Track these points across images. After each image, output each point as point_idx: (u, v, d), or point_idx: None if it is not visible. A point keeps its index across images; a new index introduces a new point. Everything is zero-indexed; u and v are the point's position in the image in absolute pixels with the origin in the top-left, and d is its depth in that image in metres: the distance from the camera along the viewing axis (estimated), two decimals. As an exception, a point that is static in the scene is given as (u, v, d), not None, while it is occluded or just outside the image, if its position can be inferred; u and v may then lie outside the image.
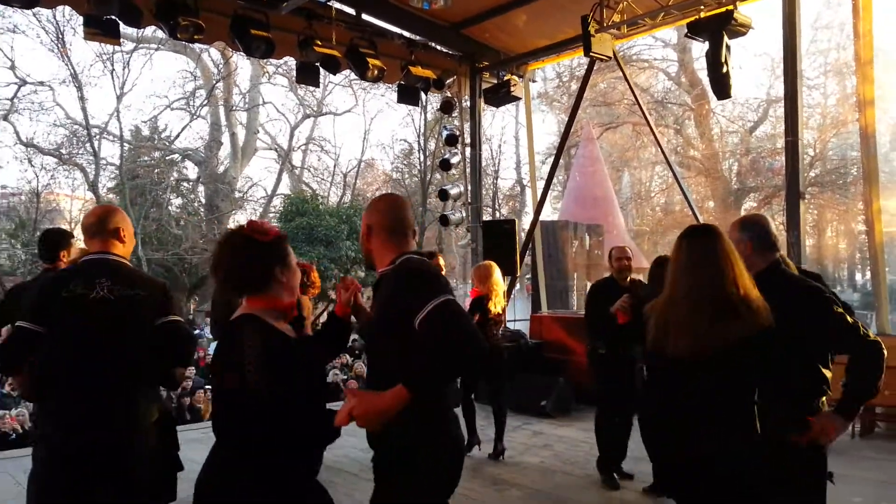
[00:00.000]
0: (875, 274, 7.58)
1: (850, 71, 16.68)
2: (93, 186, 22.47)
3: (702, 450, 2.29)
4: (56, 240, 3.86)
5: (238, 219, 27.42)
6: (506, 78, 9.32)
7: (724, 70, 6.65)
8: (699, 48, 19.81)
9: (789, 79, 6.93)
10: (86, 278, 2.67)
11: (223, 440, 2.01)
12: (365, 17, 8.25)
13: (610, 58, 7.59)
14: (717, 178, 22.39)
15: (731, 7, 6.46)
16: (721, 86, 6.83)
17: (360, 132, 50.39)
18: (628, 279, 5.14)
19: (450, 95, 9.67)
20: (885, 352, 2.51)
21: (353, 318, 2.54)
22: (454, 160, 9.62)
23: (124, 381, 2.65)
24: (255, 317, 2.04)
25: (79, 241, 3.55)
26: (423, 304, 2.00)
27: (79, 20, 9.11)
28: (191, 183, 26.15)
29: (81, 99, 21.53)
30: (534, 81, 11.41)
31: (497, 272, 5.77)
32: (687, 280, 2.36)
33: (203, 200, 25.85)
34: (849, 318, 2.52)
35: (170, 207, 24.18)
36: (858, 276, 29.18)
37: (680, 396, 2.38)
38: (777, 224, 19.14)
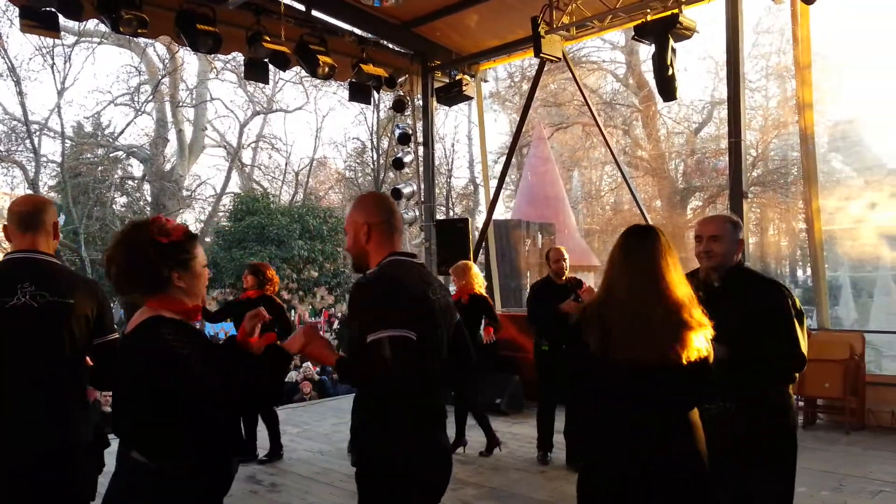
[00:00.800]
0: (815, 271, 7.85)
1: (791, 74, 17.25)
2: (33, 185, 21.69)
3: (650, 455, 2.24)
4: None
5: (186, 218, 26.87)
6: (458, 77, 9.33)
7: (670, 72, 6.79)
8: (646, 51, 20.20)
9: (732, 81, 7.12)
10: (4, 282, 2.32)
11: (152, 450, 1.91)
12: (315, 13, 8.15)
13: (559, 59, 7.67)
14: (664, 178, 22.90)
15: (676, 11, 6.60)
16: (667, 88, 6.97)
17: (312, 130, 49.83)
18: (564, 278, 5.61)
19: (402, 94, 9.64)
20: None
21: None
22: (407, 159, 9.59)
23: (50, 402, 2.34)
24: (162, 316, 1.94)
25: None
26: (377, 328, 2.06)
27: (15, 11, 8.76)
28: (136, 181, 25.49)
29: (20, 94, 20.76)
30: (485, 81, 11.46)
31: (475, 267, 6.17)
32: (625, 282, 2.29)
33: (149, 199, 25.22)
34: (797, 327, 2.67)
35: (114, 206, 23.54)
36: (800, 273, 30.19)
37: (624, 401, 2.30)
38: (722, 223, 19.66)
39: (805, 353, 2.68)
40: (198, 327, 2.12)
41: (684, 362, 2.20)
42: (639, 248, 2.30)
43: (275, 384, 2.23)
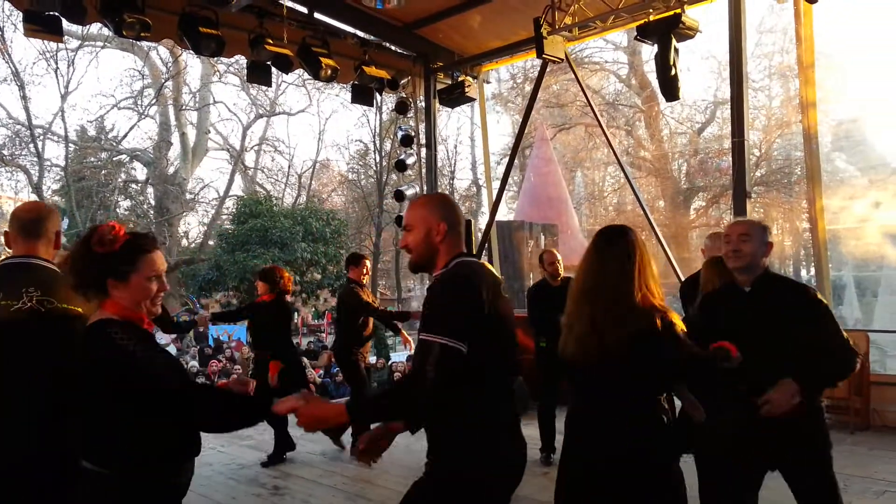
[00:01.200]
0: (819, 270, 7.83)
1: (794, 74, 17.22)
2: (37, 189, 21.77)
3: (618, 448, 2.31)
4: None
5: (189, 221, 26.92)
6: (460, 79, 9.34)
7: (673, 72, 6.78)
8: (649, 51, 20.19)
9: (735, 81, 7.10)
10: (8, 286, 2.32)
11: (105, 456, 1.91)
12: (317, 15, 8.17)
13: (562, 60, 7.67)
14: (667, 178, 22.88)
15: (678, 11, 6.59)
16: (669, 88, 6.96)
17: (315, 133, 49.86)
18: (559, 279, 5.71)
19: (404, 96, 9.65)
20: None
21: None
22: (410, 161, 9.60)
23: (50, 414, 2.31)
24: (110, 318, 1.95)
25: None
26: (430, 328, 2.00)
27: (19, 16, 8.80)
28: (139, 184, 25.56)
29: (24, 98, 20.87)
30: (488, 82, 11.47)
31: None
32: (587, 280, 2.42)
33: (153, 202, 25.29)
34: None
35: (118, 210, 23.60)
36: (803, 273, 30.07)
37: (586, 395, 2.46)
38: (724, 222, 19.63)
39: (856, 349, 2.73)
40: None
41: (644, 352, 2.29)
42: (608, 246, 2.40)
43: (225, 421, 2.10)
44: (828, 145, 18.66)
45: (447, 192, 27.39)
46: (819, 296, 2.78)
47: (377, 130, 25.97)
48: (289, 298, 6.11)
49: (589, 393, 2.46)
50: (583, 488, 2.39)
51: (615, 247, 2.38)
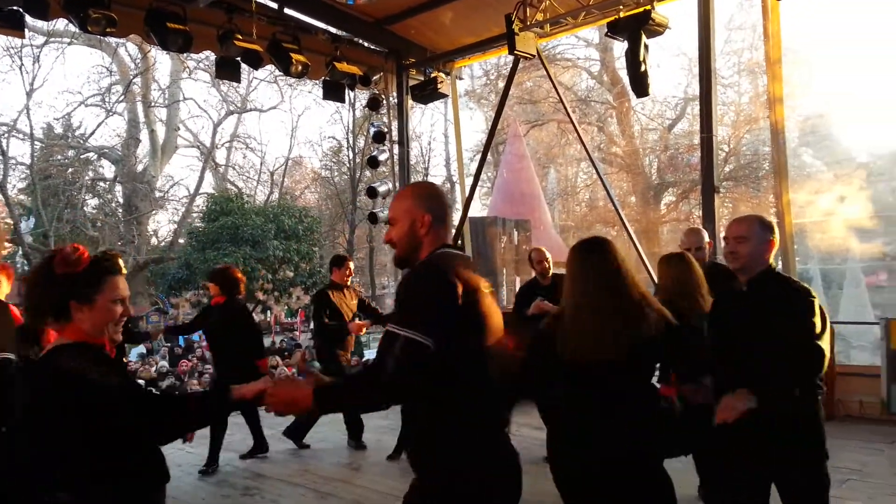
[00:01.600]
0: (785, 263, 7.96)
1: (762, 70, 17.46)
2: (1, 187, 21.27)
3: (626, 448, 2.35)
4: None
5: (158, 219, 26.56)
6: (433, 75, 9.32)
7: (643, 69, 6.85)
8: (620, 48, 20.32)
9: (704, 78, 7.19)
10: None
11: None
12: (288, 11, 8.09)
13: (534, 56, 7.70)
14: (639, 174, 23.09)
15: (648, 7, 6.65)
16: (640, 84, 7.03)
17: (288, 129, 49.47)
18: (549, 277, 5.64)
19: (377, 92, 9.61)
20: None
21: None
22: (382, 157, 9.57)
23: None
24: (63, 344, 1.92)
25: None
26: (397, 319, 1.94)
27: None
28: (107, 182, 25.13)
29: (-14, 95, 20.37)
30: (461, 79, 11.47)
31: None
32: (590, 290, 2.46)
33: (121, 200, 24.90)
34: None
35: (85, 208, 23.18)
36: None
37: (600, 400, 2.44)
38: (694, 218, 19.91)
39: (825, 351, 2.64)
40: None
41: (653, 354, 2.39)
42: (599, 257, 2.49)
43: (180, 430, 2.10)
44: (795, 140, 18.97)
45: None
46: (810, 297, 2.69)
47: (350, 127, 25.85)
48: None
49: (597, 392, 2.43)
50: (588, 488, 2.41)
51: (605, 253, 2.49)
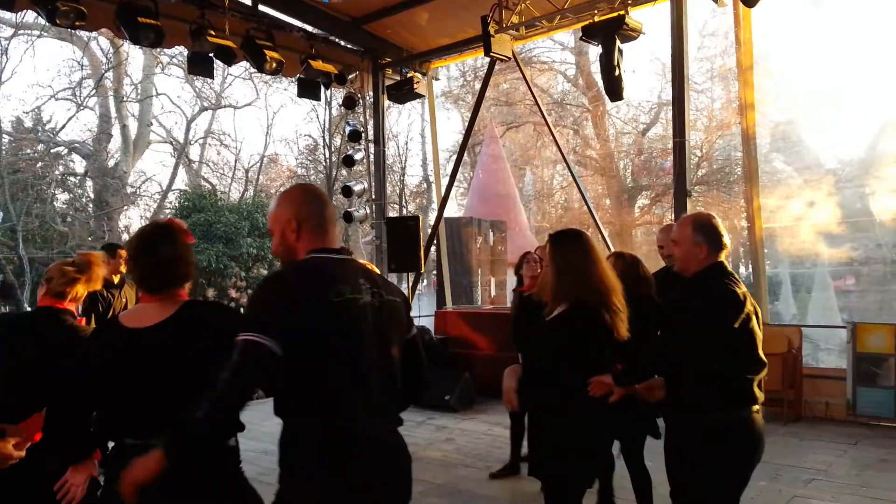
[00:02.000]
0: (755, 267, 8.10)
1: (734, 76, 17.70)
2: (-34, 181, 20.82)
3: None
4: None
5: (130, 215, 26.17)
6: (409, 75, 9.31)
7: (617, 73, 6.90)
8: (595, 51, 20.45)
9: (677, 83, 7.28)
10: None
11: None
12: (262, 8, 8.02)
13: (509, 58, 7.72)
14: (613, 177, 23.26)
15: (622, 12, 6.72)
16: (614, 88, 7.09)
17: (263, 127, 49.03)
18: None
19: (353, 91, 9.57)
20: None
21: None
22: (358, 156, 9.54)
23: None
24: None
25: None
26: (242, 329, 1.84)
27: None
28: (78, 177, 24.68)
29: (-48, 87, 19.89)
30: (437, 79, 11.45)
31: None
32: (574, 255, 2.80)
33: (91, 196, 24.45)
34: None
35: (55, 203, 22.74)
36: (742, 269, 30.97)
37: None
38: (666, 220, 20.10)
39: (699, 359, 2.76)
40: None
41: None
42: (581, 248, 2.82)
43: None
44: (766, 146, 19.22)
45: (397, 188, 27.35)
46: (717, 300, 2.70)
47: (326, 125, 25.69)
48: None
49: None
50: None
51: (589, 246, 2.86)
